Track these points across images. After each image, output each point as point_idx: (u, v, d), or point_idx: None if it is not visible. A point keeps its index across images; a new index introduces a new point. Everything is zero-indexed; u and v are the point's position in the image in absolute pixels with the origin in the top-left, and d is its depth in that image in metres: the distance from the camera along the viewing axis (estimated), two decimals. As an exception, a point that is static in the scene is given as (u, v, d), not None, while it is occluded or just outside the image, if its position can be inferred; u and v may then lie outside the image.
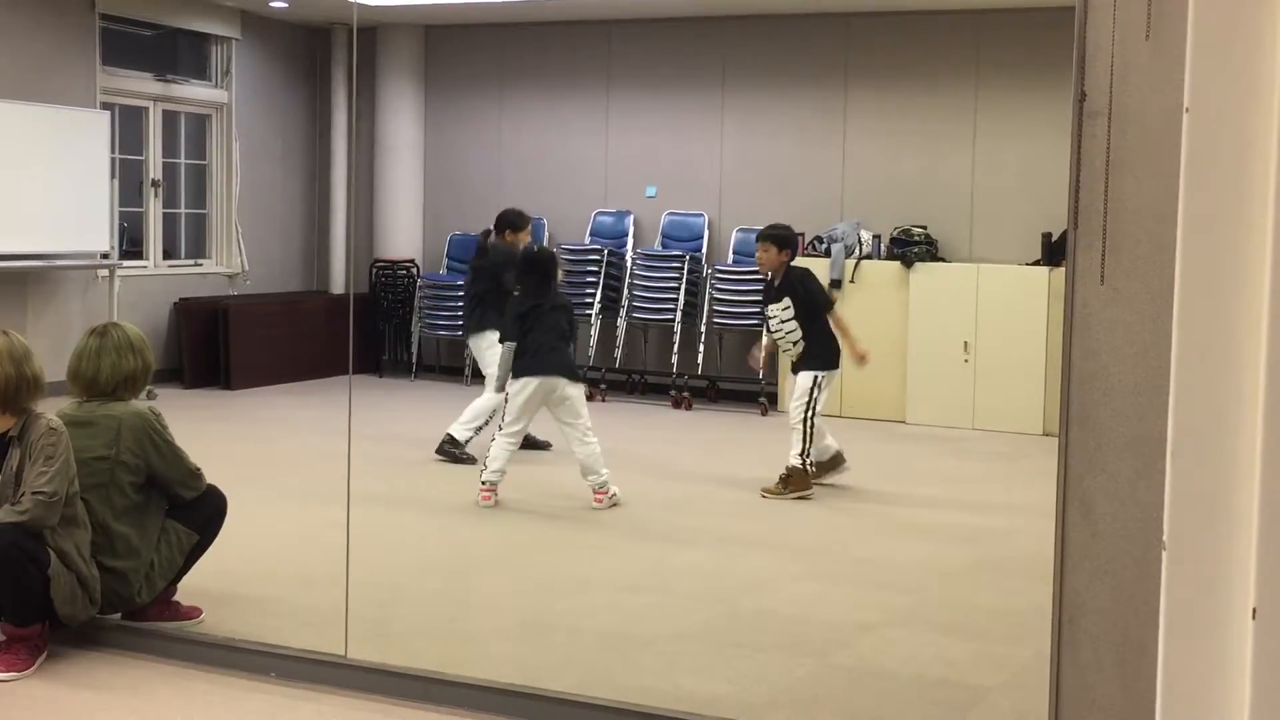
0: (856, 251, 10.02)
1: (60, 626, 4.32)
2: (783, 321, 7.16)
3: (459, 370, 11.21)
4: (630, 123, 11.16)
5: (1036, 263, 9.53)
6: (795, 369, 7.25)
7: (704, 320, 10.52)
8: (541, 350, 6.73)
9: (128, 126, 10.70)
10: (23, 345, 4.33)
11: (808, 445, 7.03)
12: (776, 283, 7.21)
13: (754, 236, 7.65)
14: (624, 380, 10.78)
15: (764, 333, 7.59)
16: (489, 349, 7.80)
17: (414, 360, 11.44)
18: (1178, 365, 2.38)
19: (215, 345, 10.65)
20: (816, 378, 7.05)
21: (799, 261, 7.40)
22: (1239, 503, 2.31)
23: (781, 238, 7.21)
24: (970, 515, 6.92)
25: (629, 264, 10.86)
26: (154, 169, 10.94)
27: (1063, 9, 3.24)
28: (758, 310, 10.16)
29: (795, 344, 7.18)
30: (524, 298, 6.87)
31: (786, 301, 7.14)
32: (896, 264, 9.83)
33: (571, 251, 10.88)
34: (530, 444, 8.05)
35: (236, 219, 11.44)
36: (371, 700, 4.05)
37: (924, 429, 9.46)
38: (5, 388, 4.22)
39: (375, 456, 7.56)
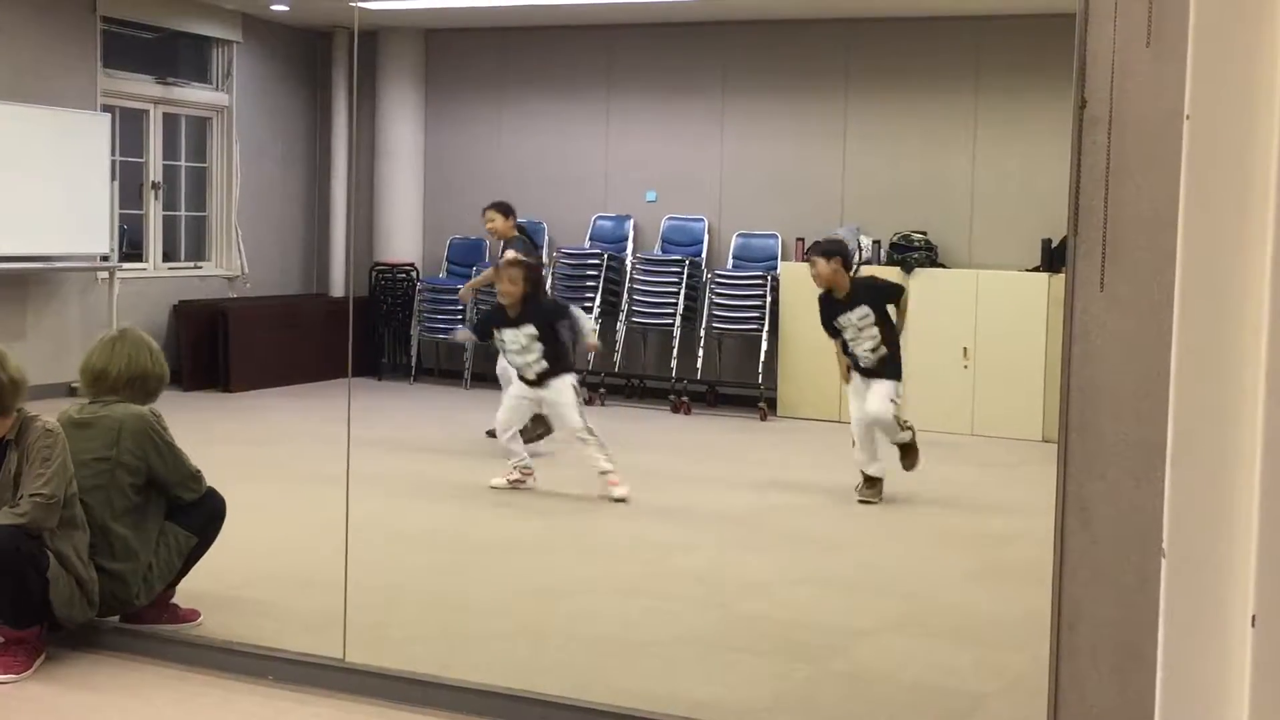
0: (856, 257, 10.01)
1: (58, 629, 4.32)
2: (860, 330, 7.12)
3: (458, 374, 11.22)
4: (630, 127, 11.16)
5: (1036, 269, 9.54)
6: (874, 374, 7.14)
7: (703, 325, 10.52)
8: None
9: (128, 129, 10.70)
10: None
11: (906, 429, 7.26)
12: (841, 296, 7.16)
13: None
14: (623, 385, 10.79)
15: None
16: None
17: (413, 364, 11.44)
18: (1177, 372, 2.38)
19: (215, 347, 10.64)
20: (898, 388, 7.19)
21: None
22: (1239, 510, 2.31)
23: (826, 249, 7.28)
24: (969, 521, 6.92)
25: (629, 268, 10.86)
26: (154, 171, 10.94)
27: (1063, 16, 3.24)
28: (757, 315, 10.23)
29: (874, 351, 7.13)
30: None
31: (865, 309, 7.10)
32: (896, 269, 9.83)
33: (571, 256, 10.89)
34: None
35: (236, 222, 11.44)
36: (369, 703, 4.05)
37: (923, 434, 9.38)
38: None
39: (374, 460, 7.56)
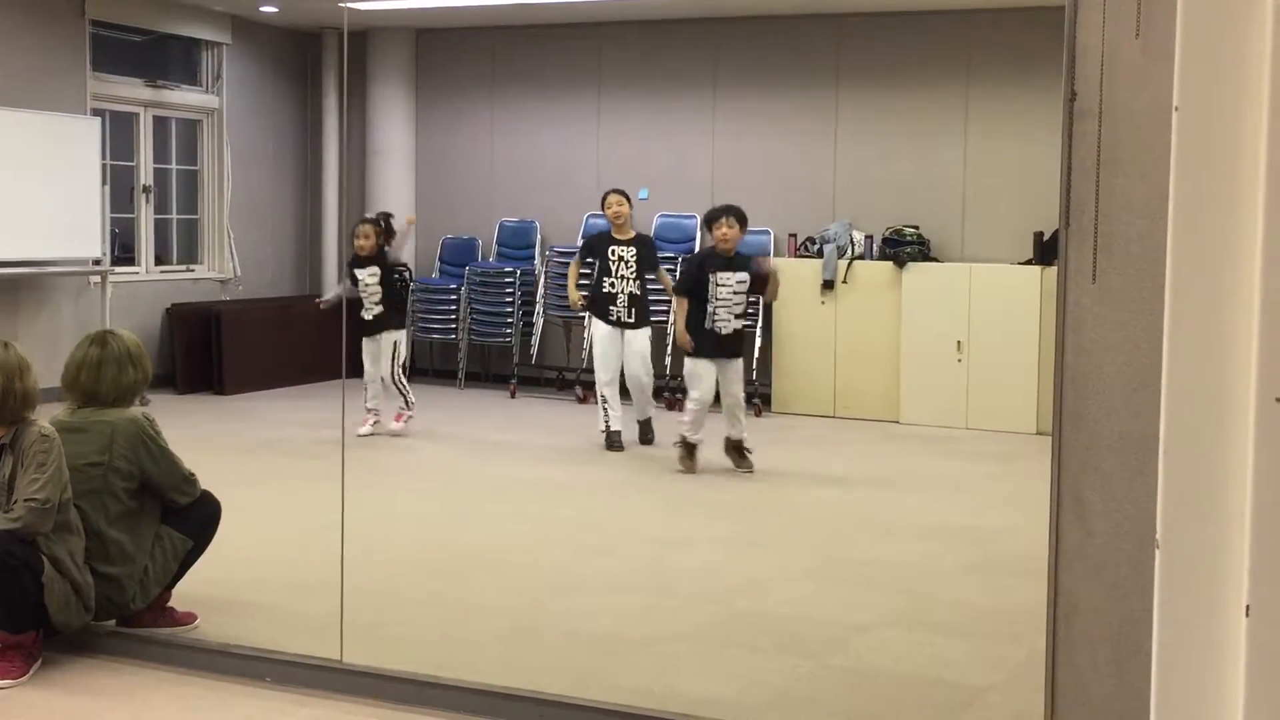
0: (849, 252, 10.03)
1: (54, 633, 4.32)
2: (735, 291, 7.57)
3: (452, 373, 11.22)
4: (622, 125, 11.16)
5: (1028, 262, 9.55)
6: (734, 352, 7.58)
7: (697, 322, 10.50)
8: None
9: (119, 132, 10.68)
10: (20, 359, 4.30)
11: None
12: (732, 255, 7.60)
13: (709, 217, 7.90)
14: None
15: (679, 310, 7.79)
16: None
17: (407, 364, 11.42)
18: (1169, 363, 2.38)
19: (208, 350, 10.63)
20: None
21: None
22: (1232, 500, 2.32)
23: (743, 216, 7.65)
24: (964, 515, 6.93)
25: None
26: (145, 175, 10.92)
27: (1053, 9, 3.24)
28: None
29: (738, 317, 7.59)
30: None
31: (744, 275, 7.57)
32: (889, 264, 9.85)
33: (563, 254, 10.88)
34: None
35: (228, 224, 11.43)
36: (367, 704, 4.05)
37: (917, 429, 9.47)
38: None
39: (369, 460, 7.56)
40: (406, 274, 9.23)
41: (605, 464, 8.01)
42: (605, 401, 8.42)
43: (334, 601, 4.37)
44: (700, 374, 7.52)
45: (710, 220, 7.69)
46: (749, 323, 7.97)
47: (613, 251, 8.56)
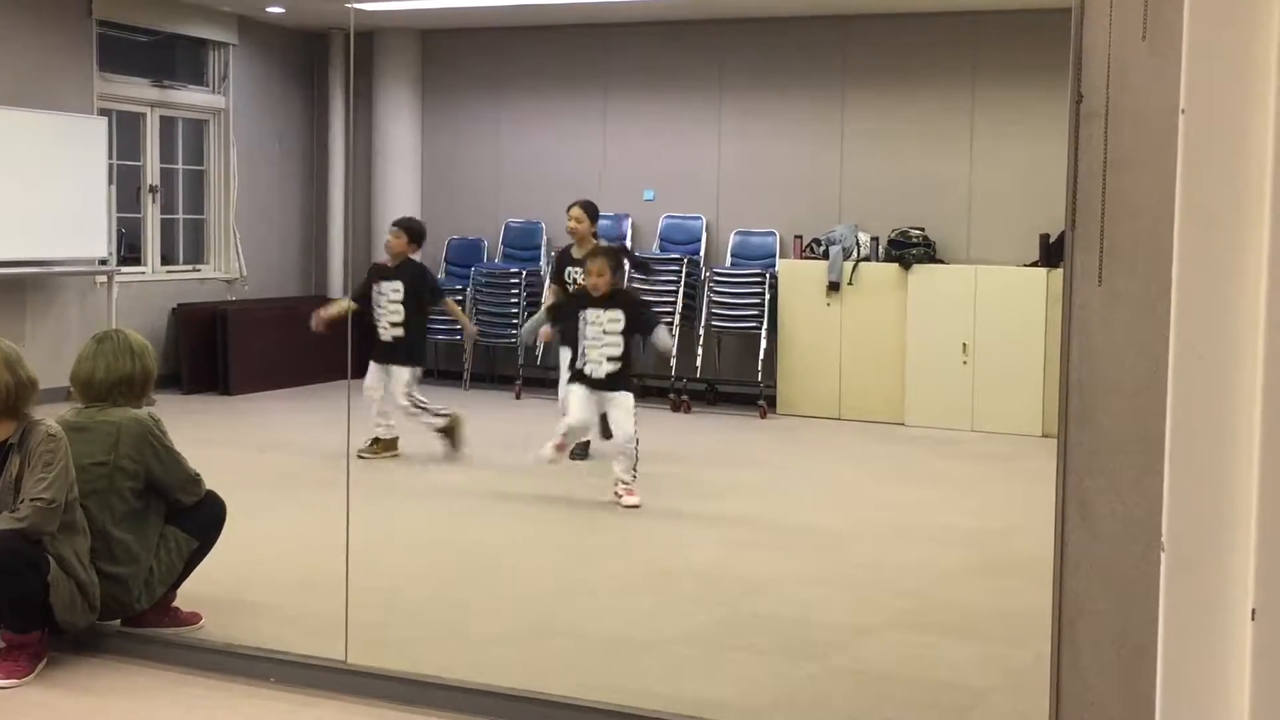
0: (855, 254, 10.02)
1: (59, 633, 4.32)
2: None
3: (457, 374, 11.22)
4: (628, 126, 11.16)
5: (1034, 264, 9.54)
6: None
7: (702, 323, 10.52)
8: None
9: (125, 132, 10.69)
10: (12, 349, 4.32)
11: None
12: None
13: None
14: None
15: None
16: None
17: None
18: (1176, 366, 2.38)
19: (214, 350, 10.64)
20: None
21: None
22: (1238, 504, 2.31)
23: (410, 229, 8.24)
24: (969, 517, 6.92)
25: (627, 267, 10.84)
26: (152, 175, 10.94)
27: (1059, 10, 3.24)
28: (756, 313, 10.24)
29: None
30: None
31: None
32: (895, 266, 9.84)
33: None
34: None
35: (234, 224, 11.44)
36: (371, 705, 4.05)
37: (923, 431, 9.47)
38: (6, 395, 4.22)
39: (374, 461, 7.56)
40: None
41: (610, 466, 7.99)
42: None
43: (339, 602, 4.37)
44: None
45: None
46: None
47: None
